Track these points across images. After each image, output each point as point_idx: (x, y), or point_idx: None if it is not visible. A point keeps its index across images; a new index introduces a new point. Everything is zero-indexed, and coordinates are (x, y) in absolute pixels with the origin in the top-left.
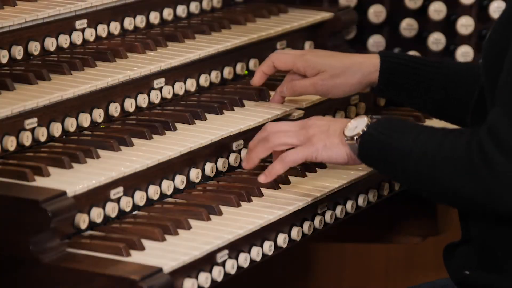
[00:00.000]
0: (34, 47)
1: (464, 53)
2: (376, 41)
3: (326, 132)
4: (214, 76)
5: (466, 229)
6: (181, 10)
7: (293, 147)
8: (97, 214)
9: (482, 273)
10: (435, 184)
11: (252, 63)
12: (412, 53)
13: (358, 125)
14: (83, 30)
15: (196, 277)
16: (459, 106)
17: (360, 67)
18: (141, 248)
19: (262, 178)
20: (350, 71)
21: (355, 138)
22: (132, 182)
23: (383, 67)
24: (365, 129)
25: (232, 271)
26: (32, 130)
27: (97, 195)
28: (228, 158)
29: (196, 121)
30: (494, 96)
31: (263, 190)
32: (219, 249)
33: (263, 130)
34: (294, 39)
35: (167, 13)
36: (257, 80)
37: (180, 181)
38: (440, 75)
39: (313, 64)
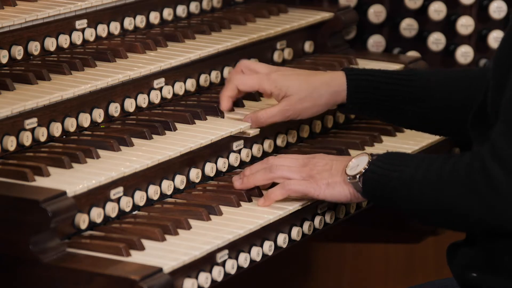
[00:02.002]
0: (34, 47)
1: (464, 53)
2: (376, 41)
3: (329, 171)
4: (214, 76)
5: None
6: (181, 10)
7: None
8: (97, 214)
9: (488, 275)
10: (440, 209)
11: None
12: (412, 53)
13: (359, 163)
14: (83, 30)
15: (196, 277)
16: (434, 116)
17: (328, 88)
18: (141, 248)
19: (261, 202)
20: (317, 92)
21: (357, 177)
22: (132, 182)
23: (350, 86)
24: (367, 166)
25: (232, 271)
26: (32, 130)
27: (97, 195)
28: (228, 158)
29: (196, 121)
30: (499, 101)
31: (263, 190)
32: (219, 249)
33: (265, 161)
34: (294, 39)
35: (167, 13)
36: (225, 105)
37: (180, 181)
38: (412, 87)
39: (279, 85)
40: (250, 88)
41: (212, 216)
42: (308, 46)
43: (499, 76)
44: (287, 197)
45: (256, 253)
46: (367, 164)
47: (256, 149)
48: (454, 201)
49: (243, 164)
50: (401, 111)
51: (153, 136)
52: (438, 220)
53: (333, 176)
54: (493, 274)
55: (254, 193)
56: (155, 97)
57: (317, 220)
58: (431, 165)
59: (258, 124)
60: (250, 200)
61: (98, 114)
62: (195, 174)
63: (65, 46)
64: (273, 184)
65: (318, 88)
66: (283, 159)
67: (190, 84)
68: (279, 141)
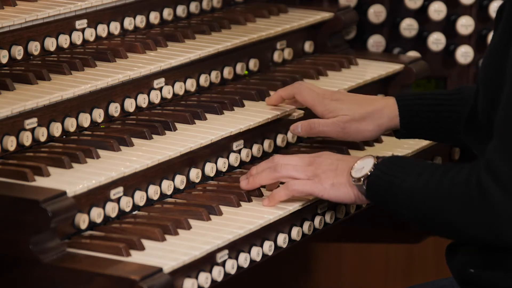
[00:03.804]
0: (34, 47)
1: (464, 53)
2: (376, 41)
3: (334, 171)
4: (214, 76)
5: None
6: (181, 10)
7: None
8: (97, 214)
9: (486, 271)
10: (438, 221)
11: (252, 63)
12: (412, 53)
13: (364, 165)
14: (83, 30)
15: (196, 277)
16: None
17: (381, 114)
18: (141, 248)
19: (265, 203)
20: (371, 117)
21: (361, 179)
22: (132, 182)
23: (402, 112)
24: (372, 170)
25: (232, 271)
26: (32, 130)
27: (97, 195)
28: (228, 158)
29: (196, 121)
30: (489, 110)
31: (263, 190)
32: (219, 249)
33: (271, 160)
34: (294, 39)
35: (167, 13)
36: (273, 100)
37: (180, 181)
38: (462, 106)
39: (331, 108)
40: (304, 102)
41: (212, 216)
42: (308, 46)
43: (489, 84)
44: (291, 197)
45: (256, 253)
46: (372, 167)
47: (256, 149)
48: (451, 215)
49: (243, 164)
50: (451, 130)
51: (153, 136)
52: (436, 230)
53: (338, 177)
54: (492, 270)
55: (254, 193)
56: (155, 97)
57: (317, 220)
58: (432, 175)
59: (309, 133)
60: (250, 200)
61: (98, 114)
62: (195, 174)
63: (65, 46)
64: (282, 183)
65: (372, 113)
66: (289, 157)
67: (190, 84)
68: (279, 141)
